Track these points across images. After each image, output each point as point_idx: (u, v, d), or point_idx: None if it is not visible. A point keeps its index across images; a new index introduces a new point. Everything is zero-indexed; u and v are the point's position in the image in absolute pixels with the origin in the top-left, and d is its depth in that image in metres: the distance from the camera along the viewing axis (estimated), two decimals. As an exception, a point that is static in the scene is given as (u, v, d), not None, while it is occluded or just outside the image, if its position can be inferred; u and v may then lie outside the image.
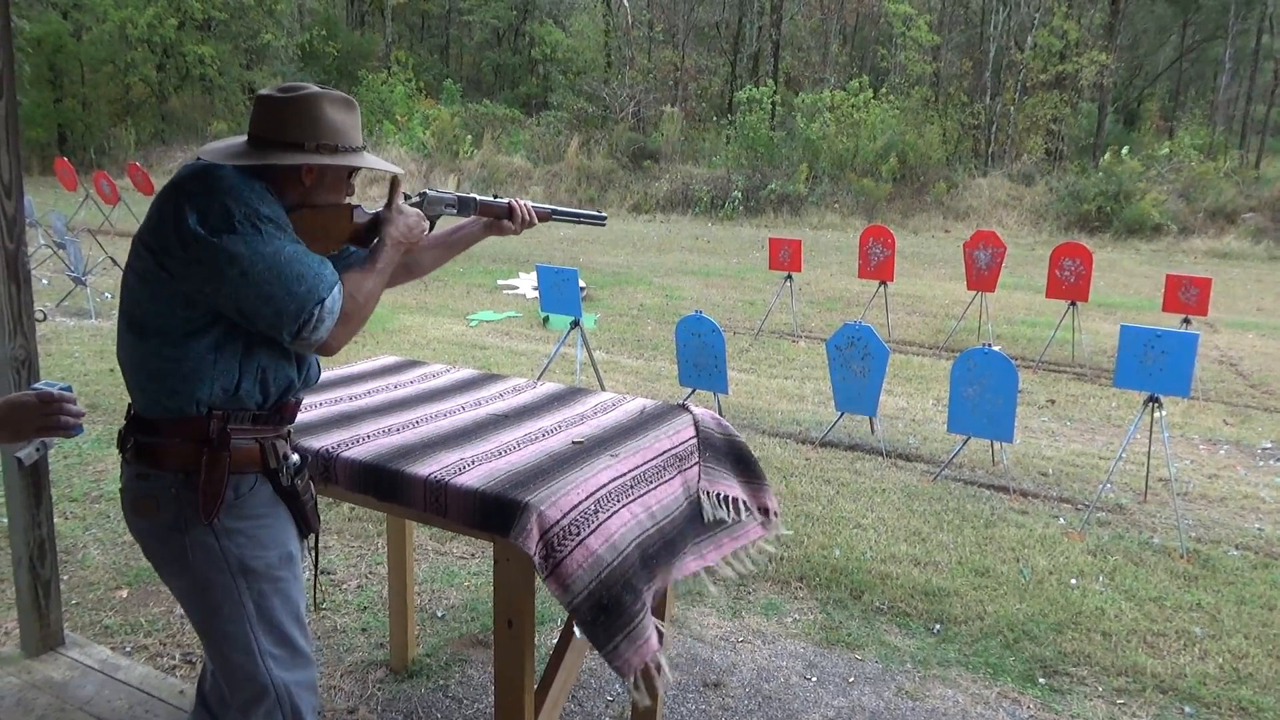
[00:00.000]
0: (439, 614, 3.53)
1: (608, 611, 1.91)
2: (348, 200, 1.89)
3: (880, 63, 27.98)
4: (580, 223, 2.38)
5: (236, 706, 1.84)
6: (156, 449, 1.73)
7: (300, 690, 1.85)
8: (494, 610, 2.01)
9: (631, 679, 1.95)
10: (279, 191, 1.75)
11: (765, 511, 2.53)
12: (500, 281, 11.70)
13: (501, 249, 14.61)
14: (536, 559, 1.83)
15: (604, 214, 2.50)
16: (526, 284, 11.25)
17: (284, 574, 1.82)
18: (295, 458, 1.86)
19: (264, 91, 1.77)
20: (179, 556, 1.75)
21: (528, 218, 2.17)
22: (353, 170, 1.86)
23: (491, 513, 1.90)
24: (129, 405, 1.80)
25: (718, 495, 2.47)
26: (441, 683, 3.06)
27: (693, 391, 6.00)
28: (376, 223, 1.90)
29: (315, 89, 1.77)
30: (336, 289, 1.72)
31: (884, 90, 24.05)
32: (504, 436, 2.27)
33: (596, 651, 1.94)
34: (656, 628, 2.02)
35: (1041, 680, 3.26)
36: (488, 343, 8.33)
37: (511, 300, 10.65)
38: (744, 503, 2.48)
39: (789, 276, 9.37)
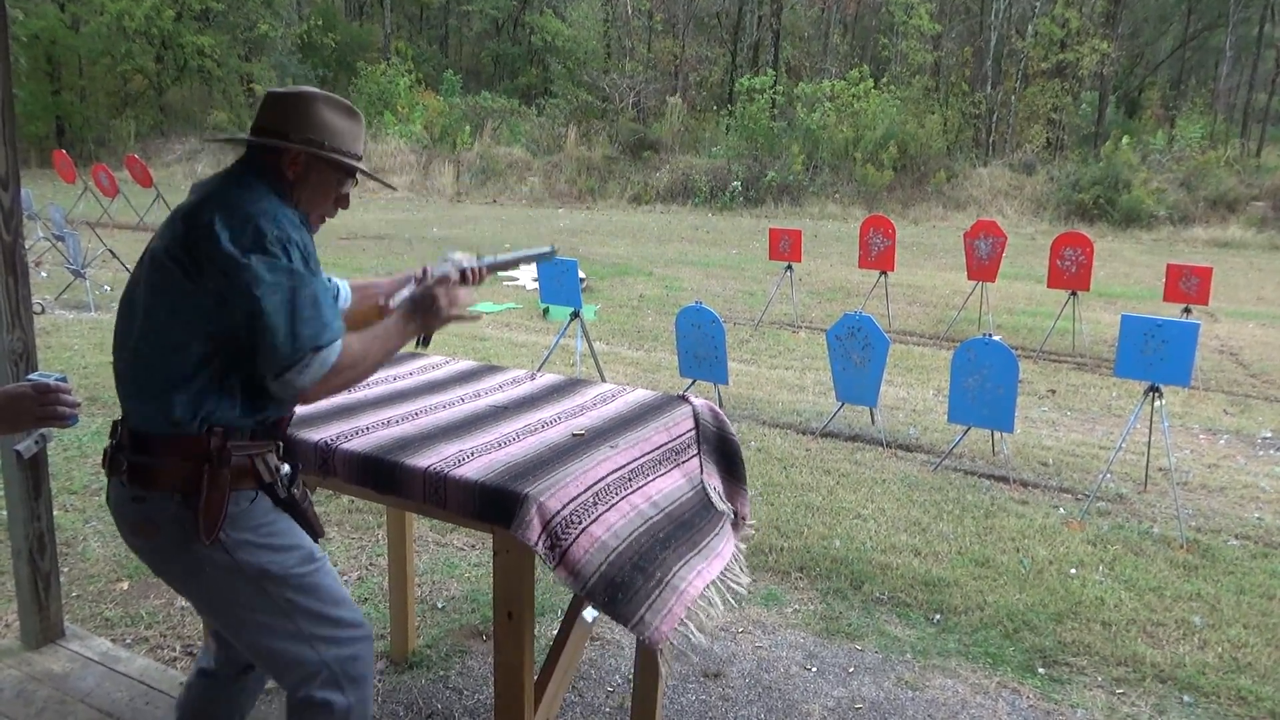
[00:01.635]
0: (439, 605, 3.53)
1: (624, 589, 1.90)
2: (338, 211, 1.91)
3: (881, 52, 27.90)
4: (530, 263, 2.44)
5: (289, 688, 1.83)
6: (152, 469, 1.70)
7: (353, 662, 1.85)
8: (494, 602, 2.01)
9: (662, 648, 1.95)
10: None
11: (737, 515, 2.53)
12: (499, 273, 11.68)
13: (501, 241, 14.59)
14: (542, 549, 1.83)
15: (551, 247, 2.54)
16: (526, 275, 11.23)
17: (307, 570, 1.81)
18: (286, 468, 1.84)
19: (275, 89, 1.81)
20: (193, 572, 1.74)
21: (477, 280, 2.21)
22: (343, 178, 1.84)
23: (491, 504, 1.89)
24: (115, 424, 1.78)
25: (713, 487, 2.48)
26: (442, 674, 3.06)
27: (693, 383, 5.99)
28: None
29: (316, 90, 1.78)
30: (338, 343, 1.69)
31: (885, 80, 23.98)
32: (503, 428, 2.27)
33: (623, 627, 1.91)
34: (684, 599, 2.00)
35: (1041, 670, 3.26)
36: (487, 334, 8.32)
37: (511, 291, 10.64)
38: (723, 495, 2.49)
39: (789, 267, 9.36)
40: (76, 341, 7.30)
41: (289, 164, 1.76)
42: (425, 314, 1.89)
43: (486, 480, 1.92)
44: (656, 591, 1.95)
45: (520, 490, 1.89)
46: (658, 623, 1.91)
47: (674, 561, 2.05)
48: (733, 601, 2.17)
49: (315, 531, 1.89)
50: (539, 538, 1.82)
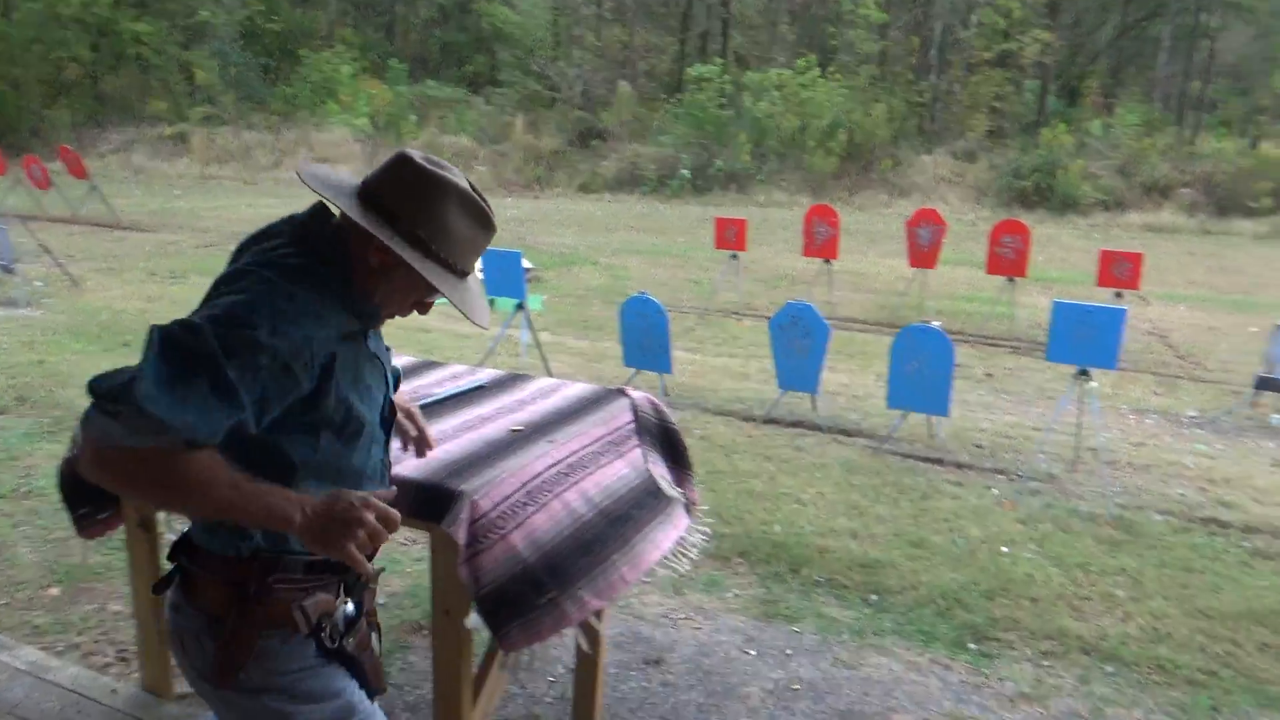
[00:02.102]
0: (381, 601, 3.53)
1: (509, 604, 1.90)
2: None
3: (829, 41, 28.11)
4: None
5: None
6: (194, 580, 1.50)
7: None
8: (432, 599, 2.02)
9: (510, 655, 1.95)
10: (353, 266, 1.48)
11: (689, 502, 2.57)
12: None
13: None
14: (461, 547, 1.85)
15: (484, 383, 2.38)
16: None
17: None
18: (349, 608, 1.57)
19: (412, 153, 1.50)
20: (219, 705, 1.55)
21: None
22: (431, 288, 1.51)
23: (427, 502, 1.91)
24: None
25: (660, 475, 2.51)
26: (384, 670, 3.06)
27: (637, 373, 6.04)
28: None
29: (463, 181, 1.50)
30: (167, 433, 1.26)
31: (832, 69, 24.18)
32: (441, 425, 2.28)
33: (490, 632, 1.91)
34: (569, 618, 1.97)
35: (972, 646, 3.37)
36: (432, 326, 8.27)
37: (458, 283, 10.56)
38: (672, 483, 2.52)
39: (735, 255, 9.44)
40: (4, 339, 7.11)
41: (377, 251, 1.45)
42: (324, 534, 1.36)
43: (423, 478, 1.94)
44: (538, 612, 1.92)
45: (455, 487, 1.91)
46: (517, 636, 1.90)
47: (585, 573, 2.03)
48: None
49: (371, 688, 1.63)
50: (463, 534, 1.85)
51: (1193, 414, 6.41)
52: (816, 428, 5.75)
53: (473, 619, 1.87)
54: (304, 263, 1.42)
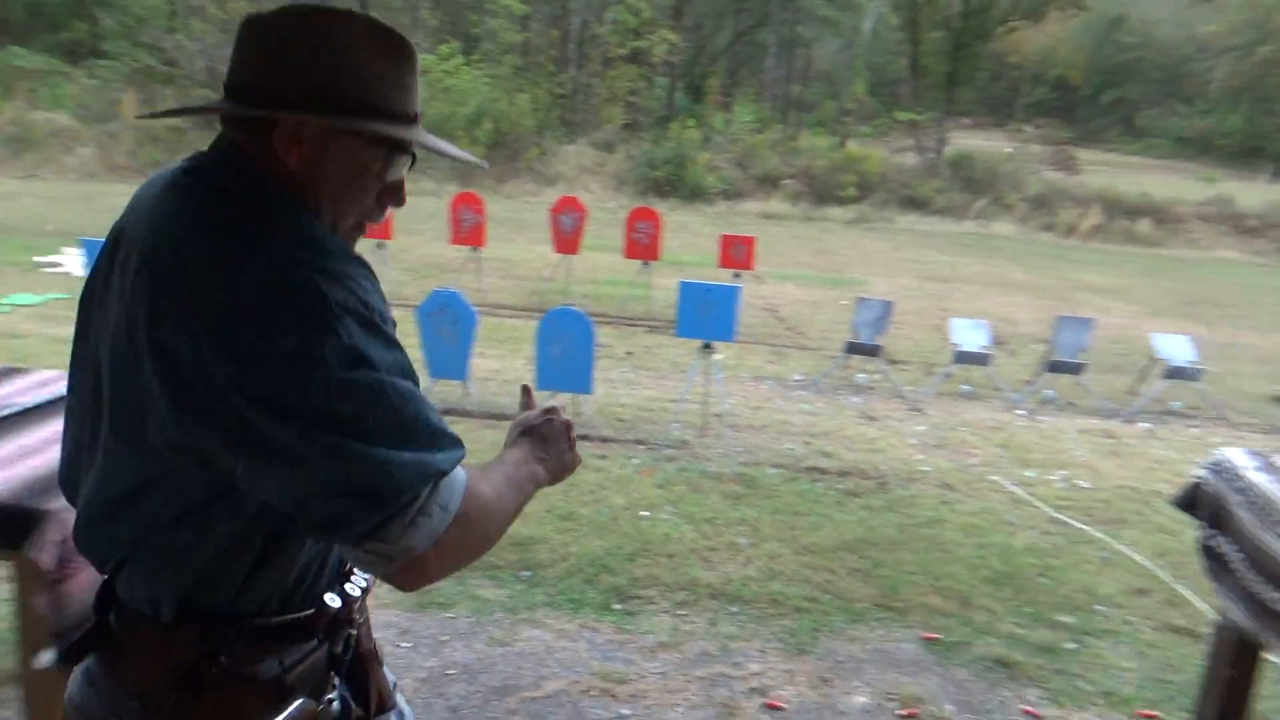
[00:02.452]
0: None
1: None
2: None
3: (472, 29, 28.14)
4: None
5: None
6: (124, 647, 1.07)
7: None
8: (19, 641, 1.79)
9: None
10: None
11: None
12: (38, 259, 10.11)
13: (44, 222, 12.61)
14: (45, 572, 1.66)
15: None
16: (73, 261, 9.84)
17: None
18: (333, 701, 1.15)
19: (258, 14, 1.04)
20: None
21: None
22: (391, 155, 1.09)
23: (6, 526, 1.69)
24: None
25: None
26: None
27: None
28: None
29: (333, 7, 1.06)
30: (459, 475, 1.01)
31: (476, 57, 24.27)
32: (25, 438, 2.02)
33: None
34: None
35: (617, 606, 3.60)
36: (24, 330, 7.20)
37: (55, 280, 9.26)
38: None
39: (382, 244, 9.20)
40: None
41: (288, 144, 1.02)
42: (562, 465, 1.26)
43: (2, 499, 1.72)
44: None
45: (41, 506, 1.71)
46: None
47: None
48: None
49: None
50: (52, 559, 1.65)
51: (798, 378, 7.34)
52: (468, 414, 5.80)
53: (46, 656, 1.66)
54: (251, 195, 1.02)
